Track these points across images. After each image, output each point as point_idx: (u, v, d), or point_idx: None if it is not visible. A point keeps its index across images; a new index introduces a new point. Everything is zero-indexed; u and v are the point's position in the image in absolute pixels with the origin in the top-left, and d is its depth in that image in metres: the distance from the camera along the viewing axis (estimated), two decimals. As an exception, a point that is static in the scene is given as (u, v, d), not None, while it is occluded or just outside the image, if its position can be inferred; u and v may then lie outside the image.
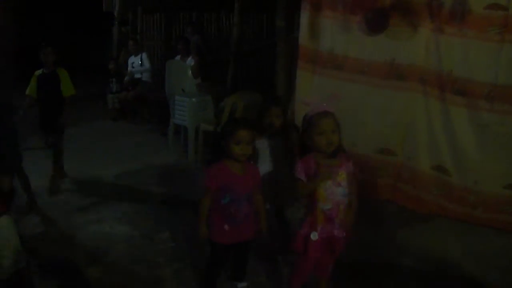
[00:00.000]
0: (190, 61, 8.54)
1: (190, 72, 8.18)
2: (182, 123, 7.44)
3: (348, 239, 3.27)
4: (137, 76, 9.89)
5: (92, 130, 8.82)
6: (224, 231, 3.28)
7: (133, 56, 9.98)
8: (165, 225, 4.83)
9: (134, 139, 8.23)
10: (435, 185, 5.37)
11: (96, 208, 5.25)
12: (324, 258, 3.32)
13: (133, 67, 9.92)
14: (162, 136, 8.26)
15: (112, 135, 8.48)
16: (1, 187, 3.44)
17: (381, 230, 4.89)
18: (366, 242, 4.38)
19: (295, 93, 6.28)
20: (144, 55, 9.90)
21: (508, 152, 4.94)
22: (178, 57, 8.87)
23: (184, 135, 7.52)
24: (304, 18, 6.08)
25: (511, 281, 4.08)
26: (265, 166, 3.77)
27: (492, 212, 5.07)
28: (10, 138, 3.74)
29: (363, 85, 5.64)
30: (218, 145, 3.27)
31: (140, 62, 9.84)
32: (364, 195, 5.27)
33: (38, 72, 5.73)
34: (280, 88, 6.99)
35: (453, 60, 5.07)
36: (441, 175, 5.32)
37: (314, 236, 3.15)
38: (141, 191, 5.82)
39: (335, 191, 3.11)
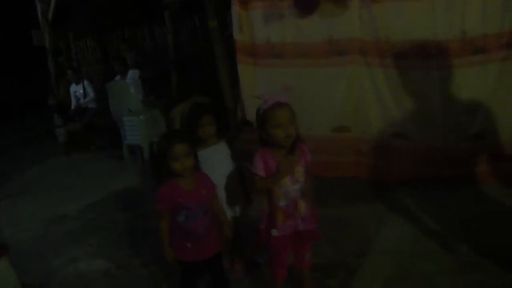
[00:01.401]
0: (132, 74, 8.43)
1: (132, 89, 8.05)
2: (135, 143, 7.34)
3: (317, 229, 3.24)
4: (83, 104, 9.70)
5: (46, 168, 8.59)
6: (187, 249, 3.17)
7: (74, 85, 9.74)
8: (138, 251, 4.74)
9: (91, 168, 8.05)
10: (397, 151, 5.40)
11: (67, 247, 5.11)
12: (297, 250, 3.29)
13: (76, 95, 9.71)
14: (118, 160, 8.12)
15: (68, 169, 8.27)
16: None
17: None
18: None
19: (240, 89, 6.25)
20: (86, 83, 9.68)
21: (457, 106, 5.03)
22: (118, 77, 8.73)
23: (140, 154, 7.41)
24: (235, 13, 6.07)
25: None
26: (212, 177, 3.62)
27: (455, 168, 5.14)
28: None
29: (306, 68, 5.65)
30: (157, 165, 3.15)
31: (82, 91, 9.64)
32: (329, 175, 5.36)
33: None
34: (226, 86, 6.96)
35: (388, 25, 5.10)
36: (399, 141, 5.37)
37: (274, 232, 3.10)
38: (108, 221, 5.68)
39: (290, 188, 3.03)
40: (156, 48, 10.69)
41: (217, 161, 3.60)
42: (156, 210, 3.18)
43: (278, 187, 3.02)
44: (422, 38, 4.98)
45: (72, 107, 9.71)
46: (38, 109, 10.53)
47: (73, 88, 9.76)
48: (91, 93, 9.63)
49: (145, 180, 6.89)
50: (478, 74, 4.88)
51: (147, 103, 8.05)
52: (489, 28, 4.75)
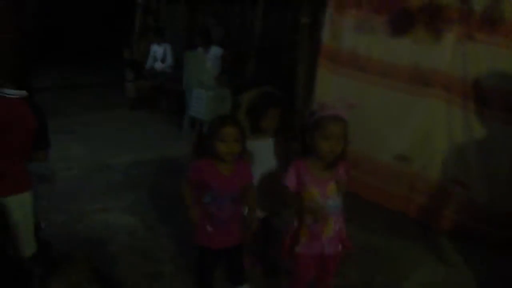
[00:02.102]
0: (215, 50, 8.46)
1: (209, 64, 8.06)
2: (197, 116, 7.34)
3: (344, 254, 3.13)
4: (159, 68, 9.78)
5: (107, 117, 8.74)
6: (208, 233, 3.09)
7: (156, 45, 9.85)
8: (171, 219, 4.72)
9: (149, 129, 8.15)
10: (451, 198, 5.19)
11: (103, 197, 5.16)
12: (320, 275, 3.17)
13: (155, 56, 9.81)
14: (177, 128, 8.15)
15: (127, 124, 8.40)
16: (39, 159, 3.42)
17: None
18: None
19: (314, 93, 6.15)
20: (168, 48, 9.77)
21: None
22: (200, 49, 8.75)
23: (199, 128, 7.42)
24: (328, 16, 5.96)
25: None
26: (256, 169, 3.48)
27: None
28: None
29: (385, 88, 5.48)
30: (202, 144, 3.09)
31: (162, 54, 9.73)
32: (377, 202, 5.22)
33: None
34: (300, 86, 6.89)
35: (480, 68, 4.88)
36: (458, 189, 5.13)
37: (297, 249, 3.00)
38: (150, 181, 5.71)
39: (320, 204, 2.90)
40: (242, 29, 10.67)
41: (266, 156, 3.51)
42: (185, 178, 3.12)
43: (307, 201, 2.91)
44: (509, 89, 4.74)
45: (148, 66, 9.81)
46: (116, 60, 10.68)
47: (154, 48, 9.87)
48: (170, 59, 9.71)
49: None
50: None
51: (220, 81, 8.04)
52: None
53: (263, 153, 3.51)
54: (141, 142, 7.25)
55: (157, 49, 9.82)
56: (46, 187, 5.14)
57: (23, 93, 3.25)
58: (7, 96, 3.16)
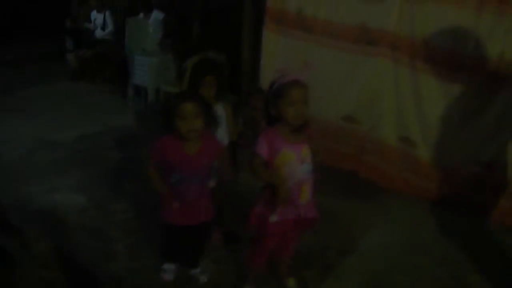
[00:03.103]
0: (156, 15, 8.27)
1: (151, 30, 7.89)
2: (142, 84, 7.21)
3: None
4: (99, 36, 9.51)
5: (49, 91, 8.43)
6: (175, 210, 3.02)
7: (95, 12, 9.54)
8: (121, 194, 4.62)
9: (93, 100, 7.91)
10: (400, 158, 5.25)
11: (50, 175, 5.00)
12: (287, 238, 3.16)
13: (95, 23, 9.52)
14: (122, 97, 7.96)
15: (70, 97, 8.13)
16: None
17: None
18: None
19: (260, 55, 6.09)
20: (108, 14, 9.47)
21: (474, 127, 4.81)
22: (141, 15, 8.54)
23: (144, 96, 7.29)
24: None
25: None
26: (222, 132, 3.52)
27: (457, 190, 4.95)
28: None
29: (332, 49, 5.46)
30: (165, 121, 2.97)
31: (102, 21, 9.45)
32: (328, 164, 5.23)
33: None
34: (246, 48, 6.80)
35: (428, 27, 4.87)
36: (407, 147, 5.19)
37: (273, 218, 2.93)
38: (98, 156, 5.58)
39: (297, 169, 2.87)
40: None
41: None
42: (148, 158, 3.04)
43: (283, 165, 2.85)
44: (457, 49, 4.75)
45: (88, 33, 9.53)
46: (55, 30, 10.34)
47: (94, 15, 9.56)
48: (110, 25, 9.43)
49: (144, 123, 6.76)
50: (504, 101, 4.63)
51: (163, 46, 7.88)
52: None
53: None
54: (85, 115, 7.05)
55: (97, 16, 9.53)
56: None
57: None
58: None
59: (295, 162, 2.87)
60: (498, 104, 4.58)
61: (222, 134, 3.56)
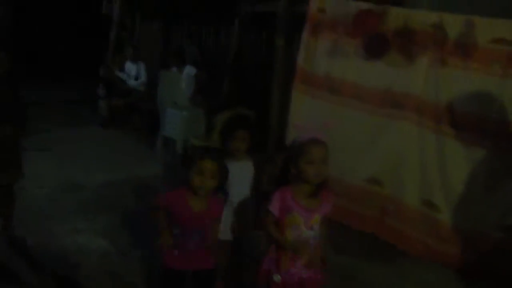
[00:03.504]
0: (189, 70, 8.45)
1: (183, 84, 8.06)
2: (171, 136, 7.32)
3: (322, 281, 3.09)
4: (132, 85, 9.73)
5: (80, 135, 8.63)
6: (174, 256, 3.08)
7: (130, 63, 9.80)
8: (143, 243, 4.65)
9: (122, 148, 8.06)
10: (422, 221, 5.22)
11: (74, 218, 5.07)
12: None
13: (129, 74, 9.74)
14: (150, 147, 8.08)
15: (100, 142, 8.29)
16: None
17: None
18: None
19: (288, 114, 6.17)
20: (142, 66, 9.74)
21: (499, 191, 4.78)
22: (174, 69, 8.75)
23: (172, 148, 7.39)
24: (304, 38, 6.00)
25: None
26: (229, 190, 3.53)
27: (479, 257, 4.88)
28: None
29: (358, 111, 5.54)
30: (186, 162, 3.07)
31: (135, 71, 9.69)
32: (350, 226, 5.23)
33: None
34: (274, 106, 6.91)
35: (453, 92, 4.95)
36: (430, 211, 5.17)
37: (277, 278, 2.96)
38: (122, 203, 5.64)
39: (304, 234, 2.91)
40: (217, 50, 10.70)
41: (239, 179, 3.51)
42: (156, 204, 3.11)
43: (290, 228, 2.90)
44: (483, 114, 4.81)
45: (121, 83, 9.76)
46: (89, 77, 10.62)
47: (128, 65, 9.82)
48: (143, 77, 9.68)
49: (170, 174, 6.82)
50: None
51: (194, 101, 8.04)
52: None
53: (237, 175, 3.51)
54: (113, 161, 7.17)
55: (131, 67, 9.77)
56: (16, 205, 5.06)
57: None
58: None
59: (302, 226, 2.90)
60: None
61: (246, 190, 3.59)
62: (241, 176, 3.54)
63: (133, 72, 9.74)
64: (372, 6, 5.46)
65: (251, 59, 9.27)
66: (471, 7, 5.32)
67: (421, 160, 5.22)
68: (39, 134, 7.99)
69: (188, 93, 8.08)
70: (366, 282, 4.50)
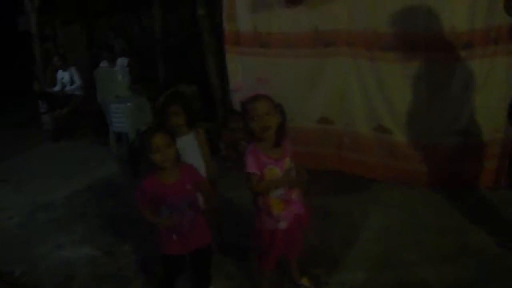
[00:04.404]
0: (121, 61, 8.41)
1: (120, 77, 8.02)
2: (122, 130, 7.33)
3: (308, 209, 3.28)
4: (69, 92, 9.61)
5: (30, 155, 8.49)
6: (173, 241, 3.15)
7: (61, 71, 9.64)
8: (124, 239, 4.74)
9: (77, 156, 7.98)
10: (379, 146, 5.42)
11: (53, 235, 5.07)
12: (293, 237, 3.29)
13: (63, 82, 9.61)
14: (104, 147, 8.07)
15: (53, 156, 8.20)
16: None
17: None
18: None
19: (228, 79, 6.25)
20: (74, 71, 9.59)
21: (443, 99, 5.00)
22: (104, 63, 8.69)
23: (126, 142, 7.39)
24: (224, 1, 6.05)
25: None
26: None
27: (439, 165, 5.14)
28: None
29: (292, 58, 5.67)
30: (135, 162, 3.14)
31: (69, 78, 9.56)
32: (312, 167, 5.36)
33: None
34: (213, 76, 6.95)
35: (377, 17, 5.09)
36: (383, 135, 5.36)
37: (282, 225, 3.12)
38: (94, 208, 5.67)
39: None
40: (143, 35, 10.61)
41: (187, 152, 3.59)
42: (137, 203, 3.14)
43: (270, 178, 3.02)
44: (409, 30, 4.97)
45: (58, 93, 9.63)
46: (22, 95, 10.42)
47: (60, 74, 9.65)
48: (77, 81, 9.53)
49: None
50: (464, 69, 4.83)
51: (134, 90, 8.02)
52: (477, 22, 4.70)
53: (181, 150, 3.61)
54: (72, 172, 7.11)
55: (63, 75, 9.63)
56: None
57: None
58: None
59: (279, 173, 3.04)
60: (460, 73, 4.82)
61: (197, 162, 3.65)
62: (187, 150, 3.61)
63: (66, 79, 9.60)
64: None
65: (178, 35, 9.26)
66: None
67: (363, 89, 5.39)
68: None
69: (127, 84, 8.05)
70: (342, 214, 4.73)
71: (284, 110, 3.03)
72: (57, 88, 9.58)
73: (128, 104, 7.23)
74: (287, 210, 3.11)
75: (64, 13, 11.81)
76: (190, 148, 3.67)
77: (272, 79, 5.63)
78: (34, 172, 7.40)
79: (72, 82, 9.55)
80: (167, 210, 3.08)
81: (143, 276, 4.07)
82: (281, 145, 3.05)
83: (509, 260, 3.77)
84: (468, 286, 3.53)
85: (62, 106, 9.35)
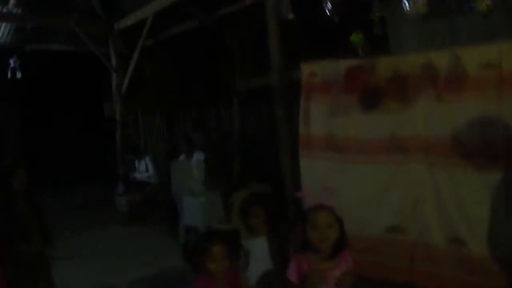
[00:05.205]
0: (198, 156, 8.60)
1: (195, 171, 8.18)
2: (192, 224, 7.39)
3: None
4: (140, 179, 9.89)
5: (101, 235, 8.67)
6: None
7: (137, 161, 10.01)
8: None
9: (146, 243, 8.11)
10: (454, 259, 5.20)
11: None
12: None
13: (139, 169, 9.92)
14: (173, 239, 8.12)
15: (122, 240, 8.35)
16: None
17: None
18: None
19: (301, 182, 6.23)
20: (148, 160, 9.92)
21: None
22: (182, 157, 8.91)
23: (196, 236, 7.44)
24: (302, 104, 6.15)
25: None
26: (253, 268, 3.64)
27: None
28: None
29: (365, 164, 5.60)
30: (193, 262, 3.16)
31: (143, 167, 9.87)
32: (380, 278, 5.20)
33: None
34: (287, 177, 6.96)
35: (454, 125, 5.01)
36: (459, 247, 5.14)
37: None
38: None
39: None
40: (221, 131, 10.87)
41: (261, 254, 3.60)
42: None
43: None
44: (489, 138, 4.82)
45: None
46: (101, 176, 10.78)
47: (137, 164, 10.01)
48: (150, 169, 9.83)
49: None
50: None
51: (208, 185, 8.14)
52: None
53: (258, 251, 3.60)
54: (140, 258, 7.21)
55: (139, 164, 9.96)
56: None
57: None
58: None
59: (321, 284, 2.97)
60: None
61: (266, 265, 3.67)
62: (264, 251, 3.61)
63: (141, 168, 9.91)
64: (361, 61, 5.63)
65: (255, 134, 9.42)
66: (452, 36, 5.45)
67: (438, 199, 5.22)
68: (61, 239, 8.06)
69: (201, 178, 8.19)
70: None
71: (344, 228, 3.02)
72: (136, 175, 9.87)
73: (201, 199, 7.34)
74: None
75: (146, 102, 12.33)
76: (267, 250, 3.69)
77: (342, 187, 5.60)
78: (101, 252, 7.53)
79: (147, 169, 9.83)
80: None
81: None
82: (334, 258, 3.00)
83: None
84: None
85: (136, 192, 9.59)
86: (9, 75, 11.67)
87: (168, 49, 11.59)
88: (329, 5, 5.50)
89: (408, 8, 5.01)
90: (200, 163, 8.57)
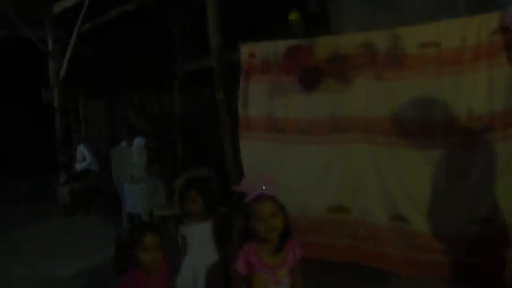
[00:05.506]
0: (138, 141, 8.46)
1: (136, 157, 8.05)
2: (135, 211, 7.27)
3: None
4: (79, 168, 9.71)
5: (42, 228, 8.47)
6: None
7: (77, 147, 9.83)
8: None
9: (89, 233, 7.94)
10: (397, 236, 5.25)
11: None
12: None
13: (76, 158, 9.75)
14: (116, 226, 7.98)
15: (64, 231, 8.16)
16: None
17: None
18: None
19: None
20: (82, 147, 9.73)
21: (463, 186, 4.87)
22: (123, 143, 8.75)
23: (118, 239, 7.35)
24: (242, 86, 6.11)
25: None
26: (191, 252, 3.61)
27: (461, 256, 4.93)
28: None
29: (307, 144, 5.62)
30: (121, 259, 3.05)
31: (81, 155, 9.69)
32: (325, 258, 5.22)
33: None
34: (229, 160, 6.91)
35: (394, 104, 5.08)
36: (401, 224, 5.20)
37: None
38: (100, 288, 5.55)
39: None
40: (162, 115, 10.76)
41: (198, 241, 3.53)
42: None
43: (258, 285, 2.92)
44: (428, 116, 4.92)
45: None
46: (42, 166, 10.53)
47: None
48: (87, 157, 9.65)
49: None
50: (485, 153, 4.72)
51: (150, 171, 8.03)
52: (496, 105, 4.64)
53: (196, 237, 3.55)
54: (83, 249, 7.05)
55: (74, 154, 9.82)
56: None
57: None
58: None
59: (269, 284, 2.92)
60: (480, 158, 4.70)
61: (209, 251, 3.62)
62: (201, 238, 3.56)
63: (78, 157, 9.73)
64: (300, 41, 5.59)
65: (197, 117, 9.34)
66: (400, 18, 5.47)
67: (379, 178, 5.28)
68: (2, 233, 7.86)
69: (143, 164, 8.07)
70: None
71: (288, 214, 2.97)
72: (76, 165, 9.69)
73: (142, 185, 7.23)
74: None
75: (86, 89, 12.07)
76: (204, 236, 3.62)
77: (285, 167, 5.61)
78: (42, 245, 7.35)
79: (84, 158, 9.66)
80: None
81: None
82: (282, 250, 2.95)
83: None
84: None
85: (77, 180, 9.40)
86: None
87: (107, 33, 11.35)
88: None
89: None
90: (141, 149, 8.39)
